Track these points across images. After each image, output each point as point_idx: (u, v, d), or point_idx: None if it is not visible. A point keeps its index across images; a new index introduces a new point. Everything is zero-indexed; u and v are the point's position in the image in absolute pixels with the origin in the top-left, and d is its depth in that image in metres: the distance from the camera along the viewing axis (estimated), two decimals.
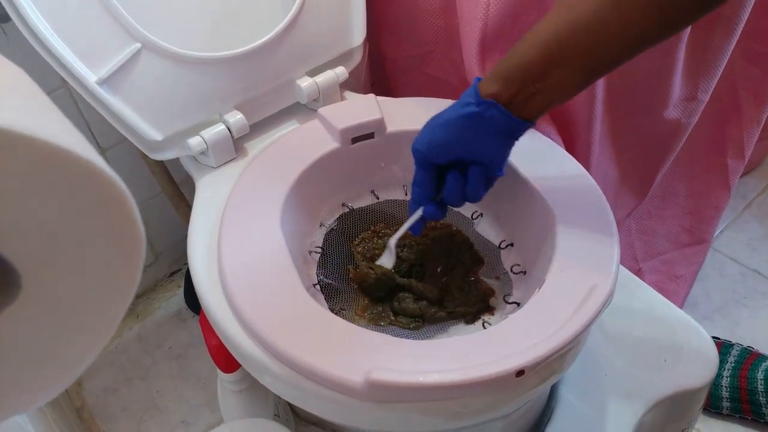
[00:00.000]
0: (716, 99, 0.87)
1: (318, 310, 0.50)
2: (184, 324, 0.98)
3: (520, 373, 0.44)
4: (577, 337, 0.46)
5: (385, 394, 0.44)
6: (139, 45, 0.55)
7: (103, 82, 0.54)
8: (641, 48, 0.47)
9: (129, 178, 0.91)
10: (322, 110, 0.66)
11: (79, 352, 0.23)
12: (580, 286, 0.50)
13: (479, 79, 0.51)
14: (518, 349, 0.45)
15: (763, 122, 0.93)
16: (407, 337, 0.58)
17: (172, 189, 0.84)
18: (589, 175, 0.61)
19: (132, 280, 0.23)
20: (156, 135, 0.59)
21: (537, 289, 0.52)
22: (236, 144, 0.65)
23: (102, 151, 0.83)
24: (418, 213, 0.57)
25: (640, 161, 0.88)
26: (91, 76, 0.54)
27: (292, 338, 0.47)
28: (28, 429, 0.59)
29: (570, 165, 0.63)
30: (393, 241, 0.60)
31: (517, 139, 0.53)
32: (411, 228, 0.58)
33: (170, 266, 1.04)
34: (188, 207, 0.85)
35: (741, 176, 0.98)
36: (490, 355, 0.45)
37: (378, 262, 0.61)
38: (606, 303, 0.49)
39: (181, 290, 1.02)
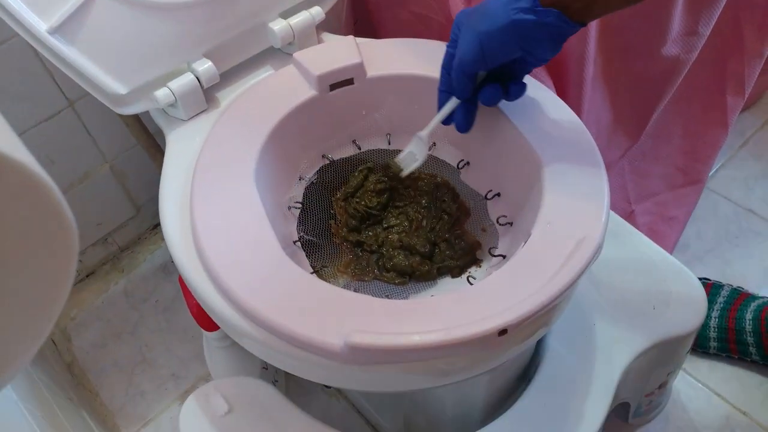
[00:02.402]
0: (717, 32, 0.82)
1: (295, 270, 0.48)
2: (170, 277, 0.97)
3: (502, 332, 0.42)
4: (562, 293, 0.44)
5: (366, 357, 0.43)
6: None
7: (54, 31, 0.50)
8: None
9: (102, 130, 0.88)
10: (297, 55, 0.62)
11: (15, 352, 0.21)
12: (567, 238, 0.48)
13: None
14: (501, 308, 0.43)
15: (766, 57, 0.89)
16: (392, 292, 0.57)
17: (147, 140, 0.81)
18: (579, 119, 0.58)
19: (67, 272, 0.21)
20: (119, 88, 0.55)
21: (523, 243, 0.50)
22: (207, 94, 0.62)
23: (70, 102, 0.79)
24: (451, 104, 0.55)
25: (635, 101, 0.85)
26: (41, 24, 0.49)
27: (269, 301, 0.45)
28: (8, 394, 0.58)
29: (560, 109, 0.59)
30: (425, 132, 0.58)
31: (566, 39, 0.49)
32: (459, 124, 0.56)
33: (153, 218, 1.02)
34: None
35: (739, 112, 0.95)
36: (474, 314, 0.43)
37: (401, 157, 0.60)
38: (594, 256, 0.47)
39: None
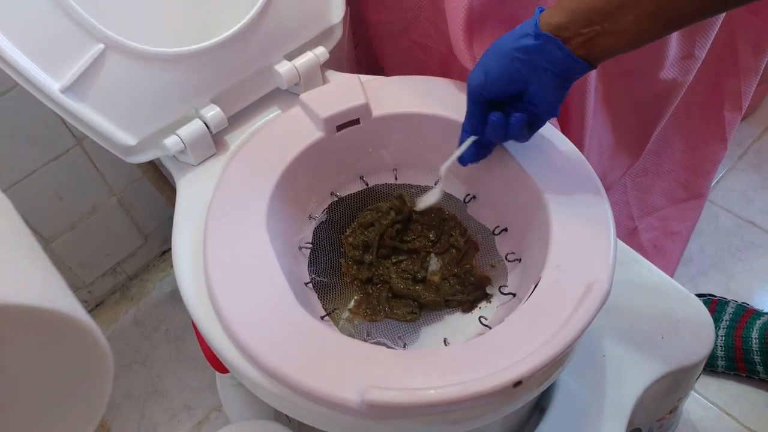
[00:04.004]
0: (713, 51, 0.83)
1: (309, 322, 0.48)
2: (179, 305, 0.98)
3: (517, 383, 0.43)
4: (574, 341, 0.45)
5: (383, 412, 0.44)
6: (102, 46, 0.51)
7: (67, 90, 0.51)
8: (720, 7, 0.43)
9: (109, 165, 0.89)
10: (303, 96, 0.63)
11: None
12: (577, 283, 0.49)
13: (541, 9, 0.47)
14: (515, 359, 0.44)
15: (761, 72, 0.91)
16: (404, 332, 0.58)
17: (153, 174, 0.82)
18: (581, 154, 0.58)
19: (104, 388, 0.22)
20: (129, 140, 0.56)
21: (533, 285, 0.51)
22: (215, 138, 0.62)
23: (78, 140, 0.80)
24: (469, 141, 0.55)
25: (636, 123, 0.86)
26: (53, 84, 0.50)
27: (283, 355, 0.46)
28: None
29: (562, 144, 0.60)
30: (444, 168, 0.58)
31: (574, 81, 0.49)
32: (460, 157, 0.57)
33: (160, 246, 1.02)
34: (172, 189, 0.83)
35: None
36: (488, 366, 0.44)
37: (425, 197, 0.60)
38: (603, 301, 0.48)
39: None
